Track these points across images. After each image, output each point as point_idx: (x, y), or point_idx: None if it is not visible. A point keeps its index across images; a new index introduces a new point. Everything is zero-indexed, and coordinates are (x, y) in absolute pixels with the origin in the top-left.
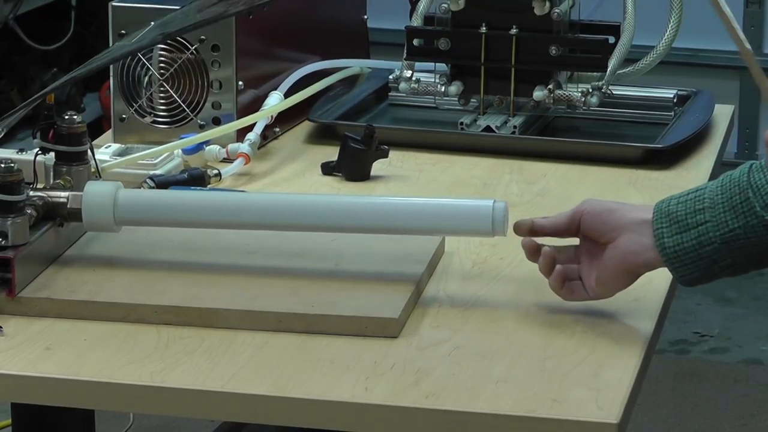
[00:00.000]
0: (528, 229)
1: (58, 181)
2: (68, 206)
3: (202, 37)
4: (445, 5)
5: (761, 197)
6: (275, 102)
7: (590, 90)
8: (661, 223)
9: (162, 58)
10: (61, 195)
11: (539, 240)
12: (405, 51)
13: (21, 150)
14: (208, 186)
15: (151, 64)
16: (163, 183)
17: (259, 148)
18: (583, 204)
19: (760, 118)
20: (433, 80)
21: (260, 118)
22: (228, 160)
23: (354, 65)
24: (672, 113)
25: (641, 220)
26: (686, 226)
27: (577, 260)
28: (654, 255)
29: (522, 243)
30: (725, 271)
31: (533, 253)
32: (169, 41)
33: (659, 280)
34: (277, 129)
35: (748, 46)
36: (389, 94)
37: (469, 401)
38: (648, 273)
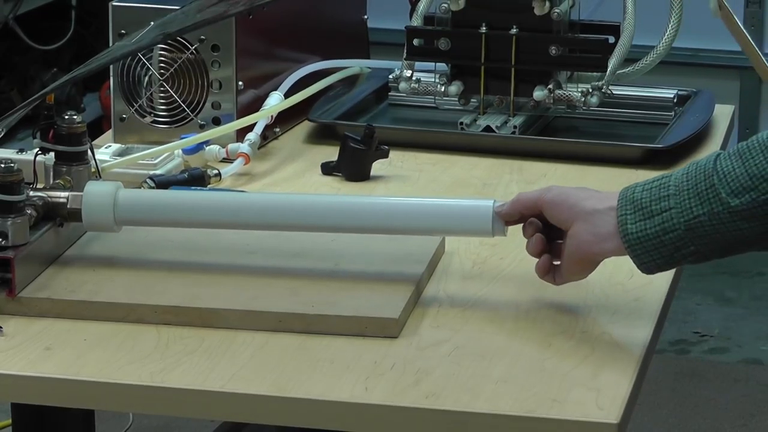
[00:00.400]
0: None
1: (58, 181)
2: (68, 206)
3: (202, 37)
4: (445, 5)
5: (727, 183)
6: (275, 102)
7: (590, 90)
8: (625, 209)
9: (162, 58)
10: (61, 195)
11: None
12: (405, 51)
13: (21, 150)
14: (208, 186)
15: (151, 64)
16: (163, 183)
17: (259, 148)
18: (546, 192)
19: (760, 118)
20: (433, 80)
21: (260, 118)
22: (228, 160)
23: (354, 65)
24: (672, 113)
25: (593, 210)
26: (650, 212)
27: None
28: (611, 245)
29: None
30: (688, 259)
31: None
32: (169, 41)
33: (659, 280)
34: (277, 129)
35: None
36: (389, 94)
37: (469, 401)
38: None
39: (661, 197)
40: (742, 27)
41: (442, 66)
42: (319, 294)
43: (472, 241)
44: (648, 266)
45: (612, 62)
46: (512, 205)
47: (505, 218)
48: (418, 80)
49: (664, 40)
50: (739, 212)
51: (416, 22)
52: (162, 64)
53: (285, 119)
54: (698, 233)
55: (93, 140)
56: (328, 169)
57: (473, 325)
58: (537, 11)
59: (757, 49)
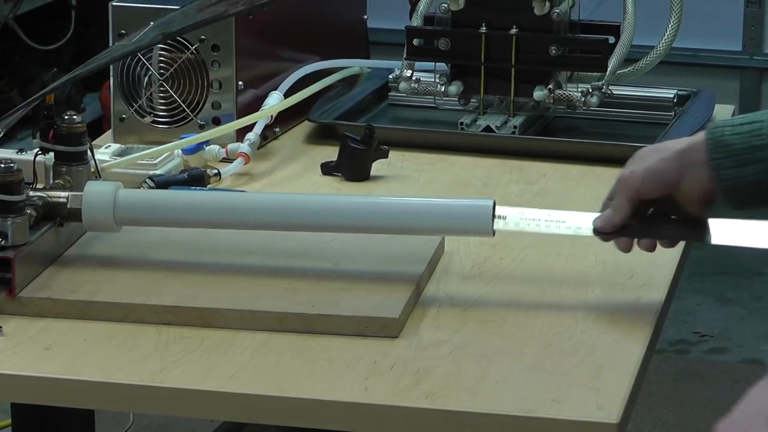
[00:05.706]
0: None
1: (58, 181)
2: (68, 206)
3: (202, 37)
4: (445, 5)
5: None
6: (275, 102)
7: (590, 90)
8: (717, 152)
9: (162, 58)
10: (61, 195)
11: None
12: (405, 51)
13: (21, 150)
14: (208, 186)
15: (151, 64)
16: (163, 183)
17: (259, 148)
18: (629, 182)
19: None
20: (433, 80)
21: (260, 118)
22: (228, 160)
23: (354, 65)
24: (672, 113)
25: (698, 161)
26: (744, 161)
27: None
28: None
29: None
30: None
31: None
32: (169, 41)
33: (659, 280)
34: (277, 129)
35: None
36: (389, 94)
37: (469, 401)
38: (647, 273)
39: (754, 147)
40: None
41: (442, 66)
42: (319, 294)
43: (472, 241)
44: (740, 206)
45: (612, 62)
46: (621, 213)
47: (619, 224)
48: (418, 80)
49: (664, 40)
50: None
51: (416, 22)
52: (162, 64)
53: (285, 119)
54: None
55: (93, 140)
56: (328, 169)
57: (473, 325)
58: (537, 11)
59: None
